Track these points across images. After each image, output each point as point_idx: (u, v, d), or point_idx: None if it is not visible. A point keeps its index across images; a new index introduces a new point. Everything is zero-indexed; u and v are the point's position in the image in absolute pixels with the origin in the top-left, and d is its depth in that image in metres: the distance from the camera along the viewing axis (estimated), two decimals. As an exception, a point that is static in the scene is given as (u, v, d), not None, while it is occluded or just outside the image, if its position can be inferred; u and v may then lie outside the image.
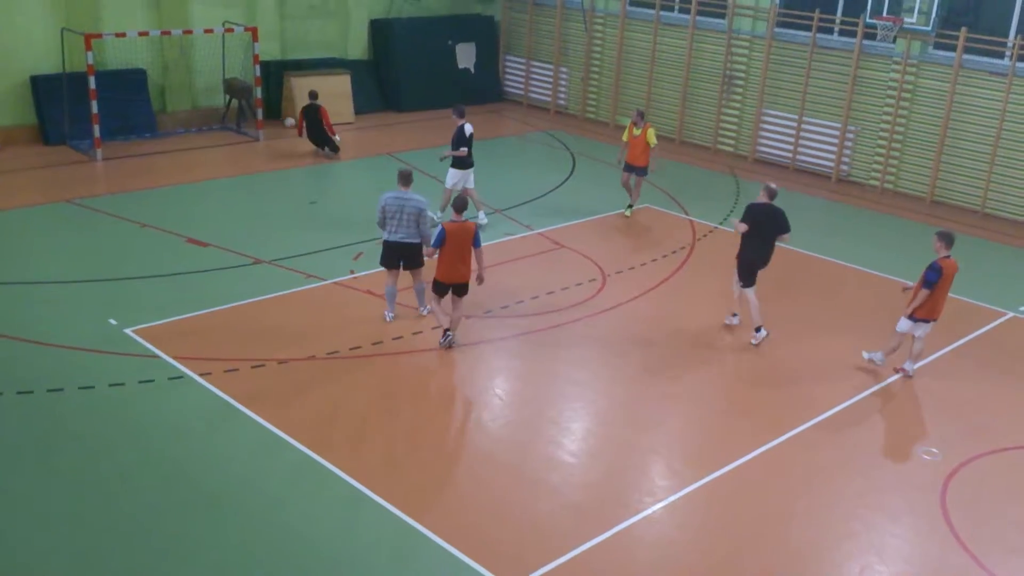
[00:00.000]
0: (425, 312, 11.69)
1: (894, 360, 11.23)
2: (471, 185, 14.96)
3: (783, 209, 11.71)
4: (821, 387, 10.80)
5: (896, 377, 11.10)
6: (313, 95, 18.44)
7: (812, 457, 9.45)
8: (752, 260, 11.71)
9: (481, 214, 15.29)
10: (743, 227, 11.61)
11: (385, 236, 11.25)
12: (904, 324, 10.91)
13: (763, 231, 11.60)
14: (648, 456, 9.40)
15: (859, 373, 11.16)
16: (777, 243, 11.74)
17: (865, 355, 11.31)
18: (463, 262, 10.82)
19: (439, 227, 10.68)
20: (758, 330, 11.72)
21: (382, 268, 11.65)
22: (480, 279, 11.11)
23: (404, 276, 11.72)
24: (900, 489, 9.04)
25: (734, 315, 12.26)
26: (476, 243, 10.79)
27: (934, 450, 9.65)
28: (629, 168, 15.92)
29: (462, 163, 14.79)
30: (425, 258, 11.33)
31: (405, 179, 11.20)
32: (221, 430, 9.28)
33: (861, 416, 10.32)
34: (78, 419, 9.32)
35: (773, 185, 11.84)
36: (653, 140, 15.67)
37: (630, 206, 16.19)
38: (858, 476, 9.18)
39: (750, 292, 11.76)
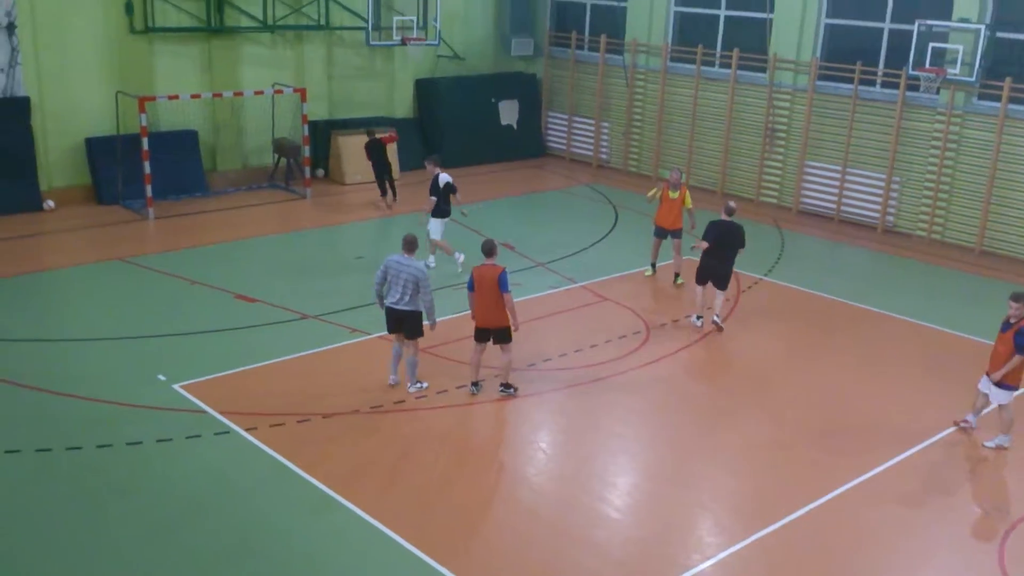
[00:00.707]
0: (412, 390, 11.24)
1: (957, 414, 11.00)
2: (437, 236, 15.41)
3: (743, 226, 13.48)
4: (873, 440, 10.58)
5: (951, 430, 10.85)
6: (371, 132, 19.00)
7: (866, 512, 9.23)
8: (713, 269, 13.44)
9: (432, 259, 15.66)
10: (704, 244, 13.32)
11: (386, 300, 11.05)
12: (1005, 394, 10.37)
13: (723, 245, 13.27)
14: (696, 511, 9.27)
15: (912, 426, 10.93)
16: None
17: (990, 444, 10.54)
18: (495, 306, 10.81)
19: (471, 274, 10.93)
20: (699, 318, 13.72)
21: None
22: (513, 326, 11.05)
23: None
24: (958, 546, 8.81)
25: (698, 317, 13.68)
26: (503, 287, 10.71)
27: (991, 506, 9.38)
28: (662, 232, 15.30)
29: (440, 212, 15.25)
30: (428, 326, 11.10)
31: (409, 245, 10.93)
32: (266, 485, 9.33)
33: (915, 471, 10.07)
34: (126, 474, 9.42)
35: (732, 204, 13.67)
36: (691, 203, 15.21)
37: (654, 264, 15.59)
38: (914, 533, 8.95)
39: (704, 288, 13.61)
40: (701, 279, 13.58)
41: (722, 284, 13.45)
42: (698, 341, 13.19)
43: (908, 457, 10.29)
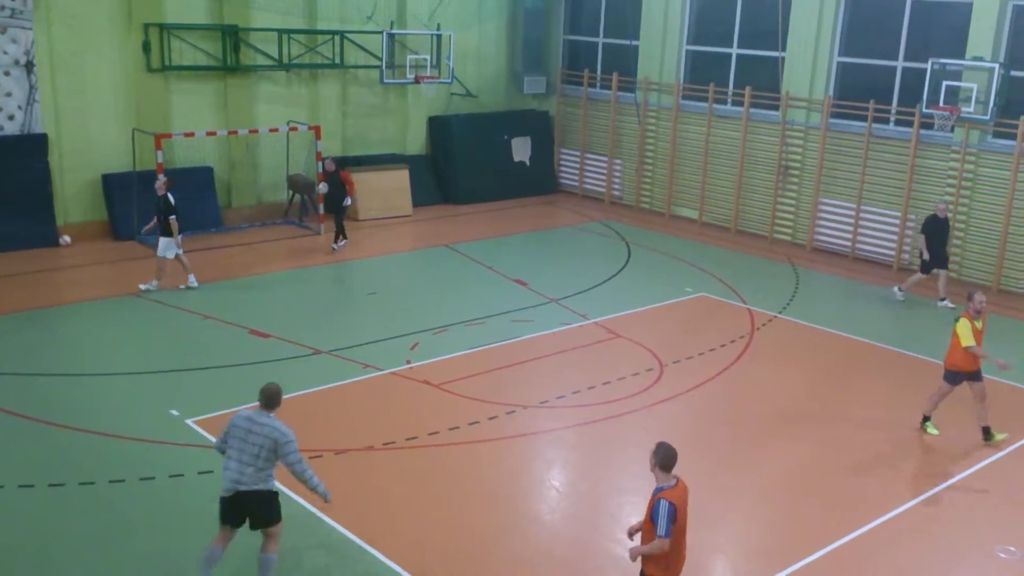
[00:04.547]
0: None
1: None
2: (181, 251, 15.76)
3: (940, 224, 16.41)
4: (892, 482, 10.46)
5: (974, 469, 10.70)
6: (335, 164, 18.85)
7: (884, 556, 9.09)
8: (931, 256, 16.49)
9: (191, 278, 15.92)
10: (923, 237, 16.54)
11: (223, 481, 7.78)
12: None
13: (934, 238, 16.41)
14: (711, 554, 9.13)
15: (930, 467, 10.81)
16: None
17: None
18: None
19: (665, 505, 6.88)
20: (942, 299, 16.55)
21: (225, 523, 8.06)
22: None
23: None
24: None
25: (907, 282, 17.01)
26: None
27: (1012, 548, 9.24)
28: (958, 377, 11.33)
29: (170, 231, 15.49)
30: (318, 497, 8.08)
31: (268, 400, 7.82)
32: (278, 522, 9.25)
33: (935, 512, 9.94)
34: (138, 510, 9.37)
35: (942, 205, 16.54)
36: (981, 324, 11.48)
37: (927, 419, 11.75)
38: None
39: (940, 272, 16.49)
40: (927, 270, 16.59)
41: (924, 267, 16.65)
42: (713, 379, 13.10)
43: (931, 496, 10.17)
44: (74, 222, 18.46)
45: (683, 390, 12.67)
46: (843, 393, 12.85)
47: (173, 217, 15.36)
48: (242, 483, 7.68)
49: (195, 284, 15.90)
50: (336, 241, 18.58)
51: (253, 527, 7.92)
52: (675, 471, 7.14)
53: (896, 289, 16.98)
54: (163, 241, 15.51)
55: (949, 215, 16.87)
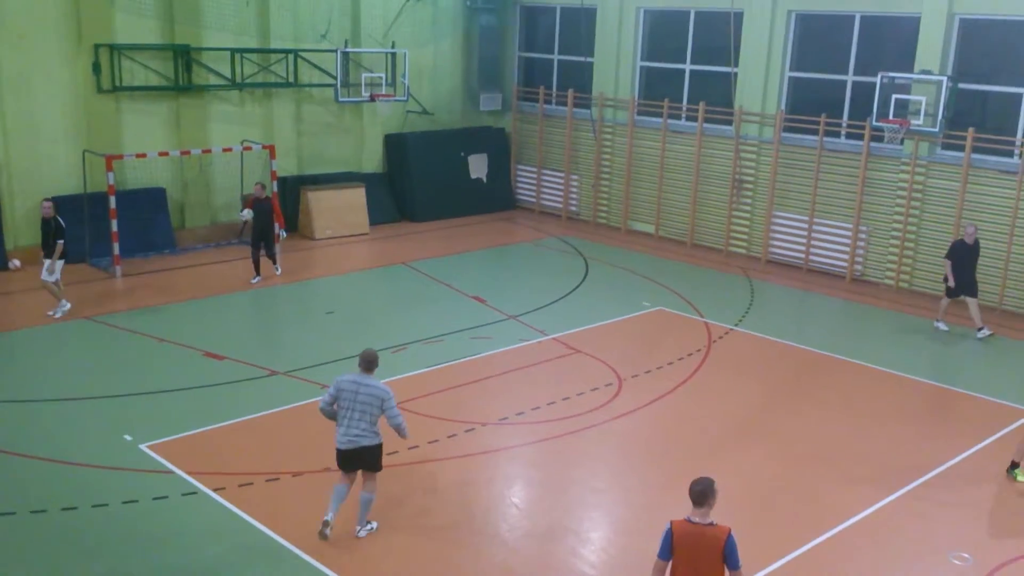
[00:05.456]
0: (363, 534, 9.33)
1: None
2: (57, 276, 15.23)
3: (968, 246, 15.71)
4: (847, 491, 10.54)
5: (926, 477, 10.83)
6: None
7: (841, 565, 9.17)
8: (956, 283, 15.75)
9: (64, 302, 15.43)
10: (947, 263, 15.78)
11: (338, 435, 9.16)
12: None
13: (960, 263, 15.67)
14: (671, 566, 9.13)
15: (886, 475, 10.90)
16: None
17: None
18: None
19: (665, 528, 6.62)
20: (980, 329, 15.72)
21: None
22: None
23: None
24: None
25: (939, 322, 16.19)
26: (732, 563, 6.53)
27: (965, 555, 9.35)
28: None
29: (63, 254, 15.12)
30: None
31: (368, 363, 9.15)
32: (233, 547, 9.11)
33: (891, 520, 10.02)
34: (91, 538, 9.18)
35: (971, 228, 15.78)
36: None
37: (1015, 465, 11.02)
38: (889, 583, 8.88)
39: (969, 300, 15.80)
40: (954, 294, 15.89)
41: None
42: (671, 392, 13.16)
43: (885, 506, 10.25)
44: (24, 245, 18.07)
45: (642, 404, 12.71)
46: (799, 403, 12.96)
47: (61, 241, 14.89)
48: (362, 437, 9.06)
49: (67, 307, 15.37)
50: (275, 265, 18.04)
51: (364, 472, 9.26)
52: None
53: (936, 323, 16.08)
54: (47, 263, 15.01)
55: (979, 238, 15.96)
